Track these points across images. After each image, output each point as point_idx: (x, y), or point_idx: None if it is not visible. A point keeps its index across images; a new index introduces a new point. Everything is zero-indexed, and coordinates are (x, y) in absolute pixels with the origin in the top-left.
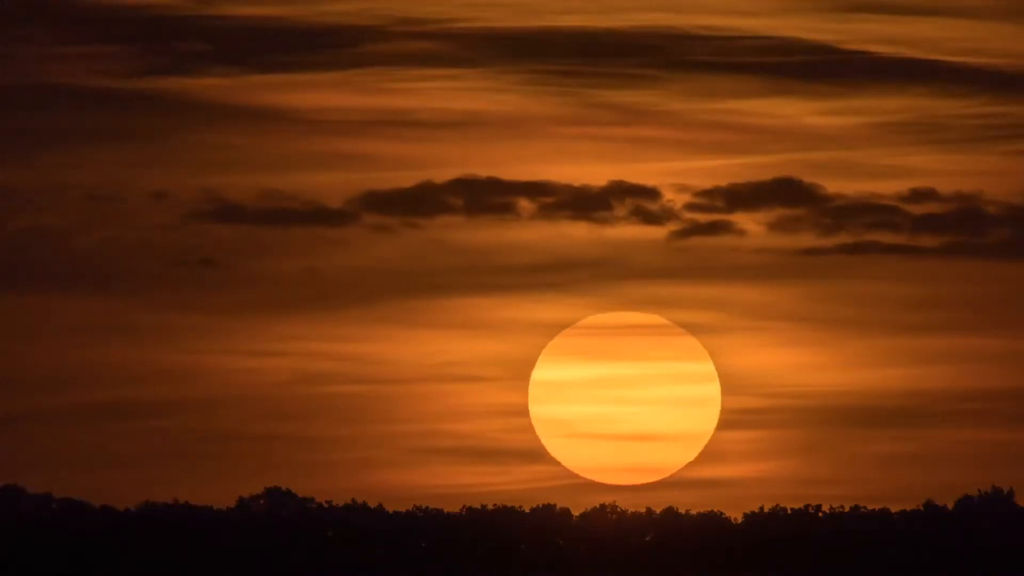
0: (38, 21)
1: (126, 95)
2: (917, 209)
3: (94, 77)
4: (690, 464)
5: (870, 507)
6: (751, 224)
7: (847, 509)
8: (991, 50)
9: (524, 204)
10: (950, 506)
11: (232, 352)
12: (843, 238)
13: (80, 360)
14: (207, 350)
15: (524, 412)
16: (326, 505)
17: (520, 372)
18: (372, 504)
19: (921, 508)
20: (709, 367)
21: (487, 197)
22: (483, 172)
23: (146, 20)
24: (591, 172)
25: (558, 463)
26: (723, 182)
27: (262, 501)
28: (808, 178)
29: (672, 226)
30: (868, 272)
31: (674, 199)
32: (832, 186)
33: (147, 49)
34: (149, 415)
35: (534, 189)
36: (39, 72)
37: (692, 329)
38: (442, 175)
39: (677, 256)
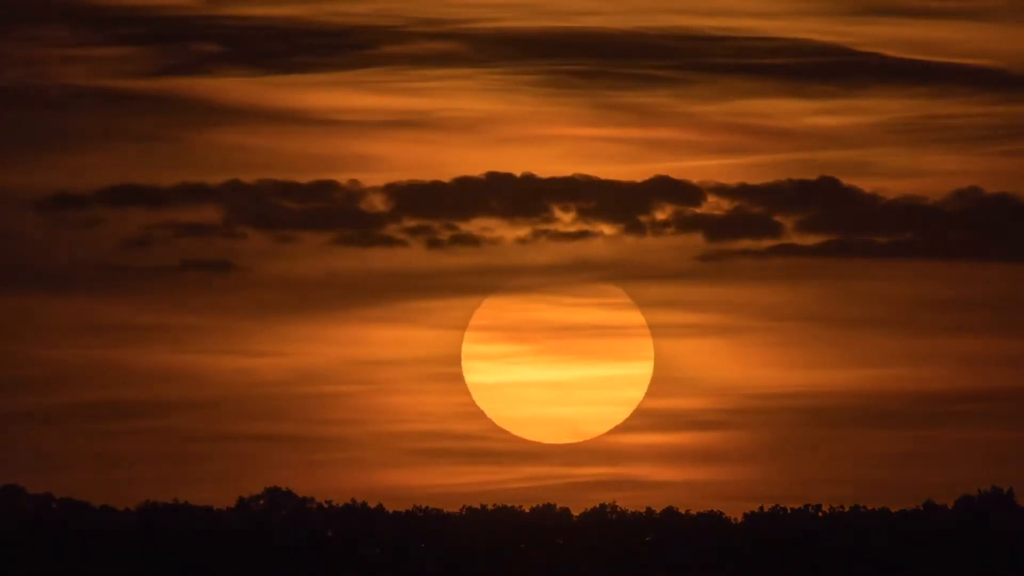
0: (52, 22)
1: (141, 96)
2: (951, 209)
3: (108, 78)
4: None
5: (870, 507)
6: (770, 224)
7: (847, 509)
8: (1007, 52)
9: (551, 204)
10: (950, 506)
11: (232, 352)
12: (861, 239)
13: (80, 360)
14: (207, 350)
15: (523, 411)
16: (326, 505)
17: None
18: (372, 504)
19: (921, 508)
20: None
21: (512, 197)
22: (504, 171)
23: (162, 21)
24: (613, 172)
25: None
26: (747, 182)
27: (262, 501)
28: (831, 177)
29: (699, 226)
30: (884, 273)
31: (700, 199)
32: (863, 186)
33: (163, 50)
34: (150, 415)
35: (563, 189)
36: (52, 73)
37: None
38: (460, 175)
39: (704, 256)
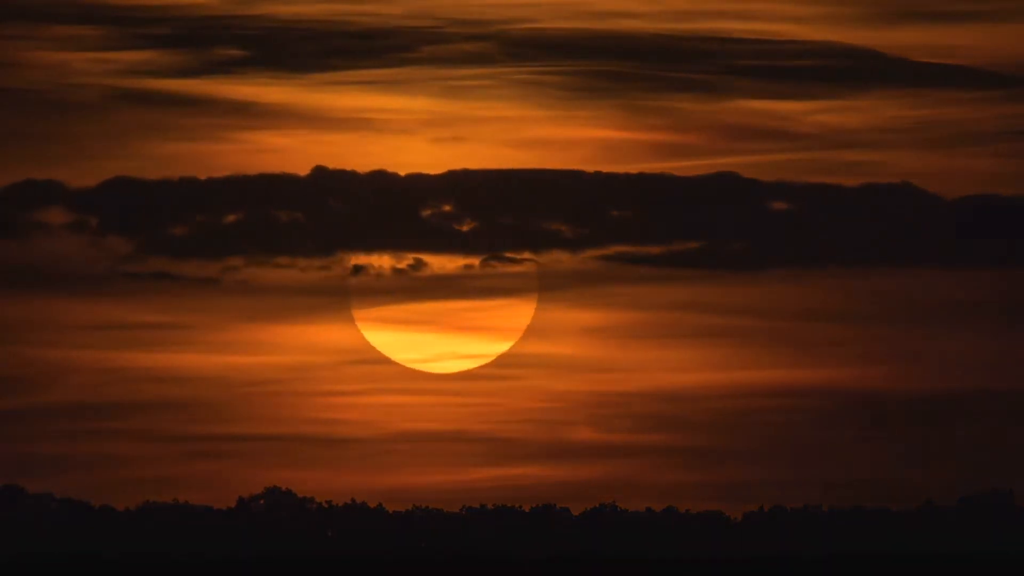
0: (81, 24)
1: (174, 98)
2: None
3: (139, 78)
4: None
5: (870, 507)
6: (796, 227)
7: (847, 509)
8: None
9: (600, 205)
10: (950, 506)
11: (233, 352)
12: (894, 243)
13: (80, 360)
14: (208, 350)
15: (524, 410)
16: (326, 505)
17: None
18: (372, 504)
19: (921, 508)
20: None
21: (560, 198)
22: (545, 169)
23: (194, 22)
24: (645, 172)
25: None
26: (779, 182)
27: (262, 501)
28: (908, 182)
29: (730, 228)
30: (894, 272)
31: (735, 202)
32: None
33: (195, 52)
34: (149, 415)
35: (602, 188)
36: (81, 74)
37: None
38: (496, 173)
39: (723, 260)
